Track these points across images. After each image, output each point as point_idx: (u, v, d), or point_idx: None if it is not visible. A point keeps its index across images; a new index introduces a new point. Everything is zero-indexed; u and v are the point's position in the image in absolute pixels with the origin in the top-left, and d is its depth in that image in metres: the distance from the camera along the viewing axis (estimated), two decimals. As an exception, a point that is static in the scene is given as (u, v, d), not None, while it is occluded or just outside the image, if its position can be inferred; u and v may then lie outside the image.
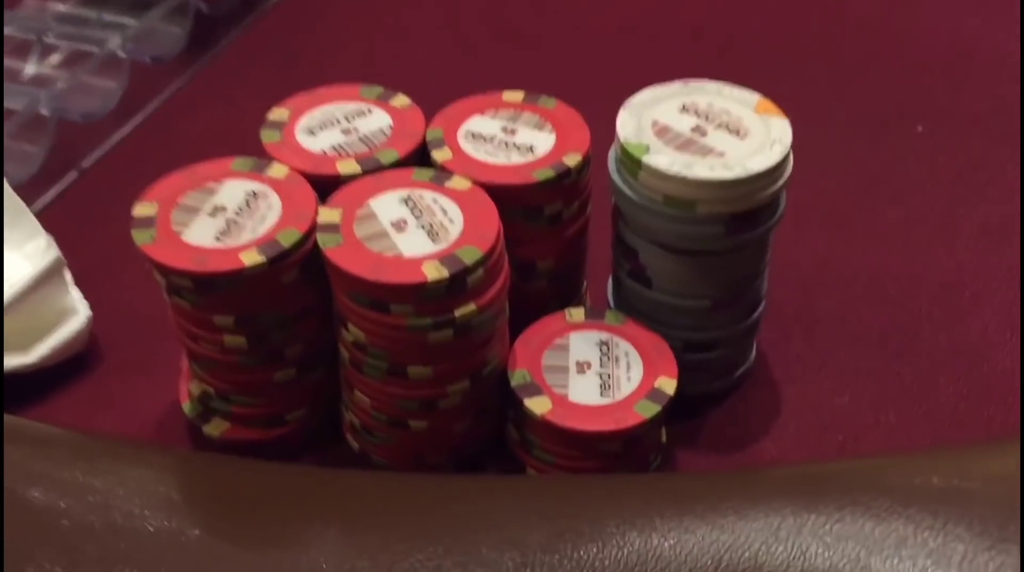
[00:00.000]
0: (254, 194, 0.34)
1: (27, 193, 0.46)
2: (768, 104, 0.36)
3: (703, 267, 0.36)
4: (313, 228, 0.33)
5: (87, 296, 0.42)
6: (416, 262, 0.32)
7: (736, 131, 0.35)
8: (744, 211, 0.34)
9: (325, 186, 0.34)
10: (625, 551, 0.29)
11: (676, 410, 0.35)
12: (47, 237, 0.41)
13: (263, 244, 0.33)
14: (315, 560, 0.29)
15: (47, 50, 0.52)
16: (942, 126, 0.51)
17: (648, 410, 0.34)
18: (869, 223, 0.47)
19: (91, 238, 0.46)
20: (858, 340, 0.42)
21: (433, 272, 0.31)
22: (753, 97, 0.36)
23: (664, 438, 0.37)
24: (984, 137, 0.51)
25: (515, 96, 0.38)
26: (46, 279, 0.40)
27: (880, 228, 0.46)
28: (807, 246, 0.45)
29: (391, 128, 0.37)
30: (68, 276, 0.41)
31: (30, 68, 0.51)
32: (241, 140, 0.37)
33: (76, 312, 0.40)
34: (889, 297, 0.43)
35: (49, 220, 0.44)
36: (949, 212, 0.47)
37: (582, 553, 0.29)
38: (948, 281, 0.44)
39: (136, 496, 0.31)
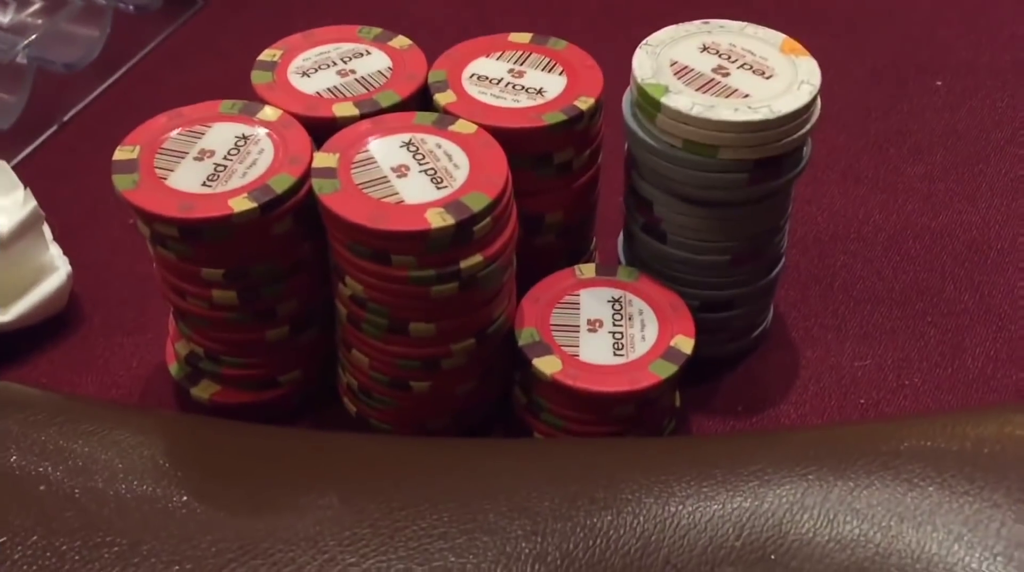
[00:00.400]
0: (244, 137, 0.32)
1: (5, 146, 0.45)
2: (794, 44, 0.34)
3: (722, 219, 0.34)
4: (308, 173, 0.31)
5: (68, 253, 0.40)
6: (419, 209, 0.30)
7: (761, 71, 0.33)
8: (769, 157, 0.32)
9: (320, 130, 0.33)
10: (641, 518, 0.28)
11: (690, 373, 0.34)
12: (25, 190, 0.39)
13: (254, 190, 0.31)
14: (313, 527, 0.27)
15: (25, -2, 0.50)
16: (961, 80, 0.50)
17: (664, 370, 0.32)
18: (888, 180, 0.45)
19: (72, 193, 0.45)
20: (879, 300, 0.40)
21: (437, 219, 0.29)
22: (778, 37, 0.34)
23: (678, 402, 0.36)
24: (1004, 91, 0.49)
25: (522, 38, 0.36)
26: (24, 233, 0.38)
27: (900, 185, 0.45)
28: (824, 203, 0.44)
29: (390, 70, 0.35)
30: (47, 231, 0.40)
31: (7, 16, 0.49)
32: (230, 93, 0.35)
33: (56, 269, 0.39)
34: (911, 255, 0.42)
35: (28, 174, 0.42)
36: (971, 168, 0.46)
37: (595, 520, 0.28)
38: (972, 239, 0.42)
39: (119, 460, 0.30)
